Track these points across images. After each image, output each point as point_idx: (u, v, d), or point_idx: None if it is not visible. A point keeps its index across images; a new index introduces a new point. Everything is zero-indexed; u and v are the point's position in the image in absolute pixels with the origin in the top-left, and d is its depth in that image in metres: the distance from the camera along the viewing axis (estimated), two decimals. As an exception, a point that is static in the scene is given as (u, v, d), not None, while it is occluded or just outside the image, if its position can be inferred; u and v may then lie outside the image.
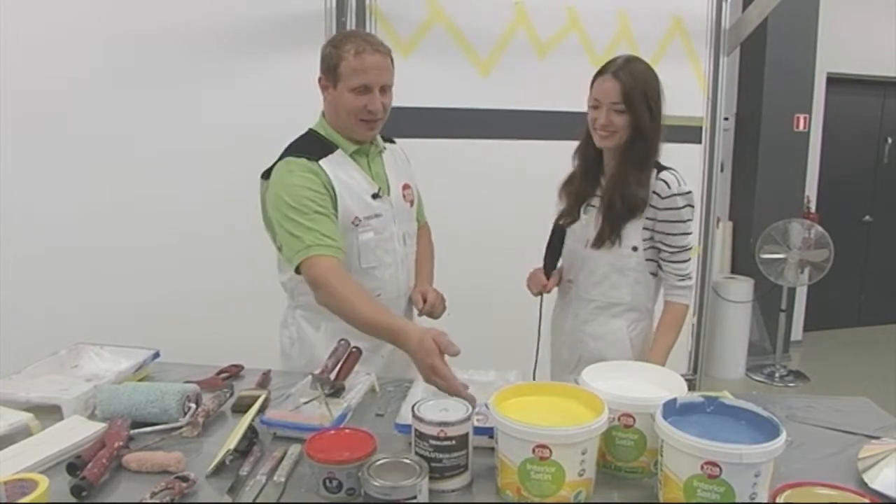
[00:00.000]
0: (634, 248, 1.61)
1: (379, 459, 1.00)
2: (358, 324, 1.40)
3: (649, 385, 1.18)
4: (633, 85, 1.52)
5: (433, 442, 1.02)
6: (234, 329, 2.41)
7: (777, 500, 0.98)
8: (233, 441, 1.12)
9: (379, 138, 1.67)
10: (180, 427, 1.22)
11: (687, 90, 3.00)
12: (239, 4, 2.47)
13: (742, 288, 4.25)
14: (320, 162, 1.51)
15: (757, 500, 0.92)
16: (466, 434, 1.04)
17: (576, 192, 1.70)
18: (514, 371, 1.39)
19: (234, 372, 1.55)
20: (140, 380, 1.47)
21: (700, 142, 3.12)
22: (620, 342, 1.66)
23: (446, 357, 1.22)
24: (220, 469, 1.09)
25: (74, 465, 1.05)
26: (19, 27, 2.22)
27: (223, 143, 2.49)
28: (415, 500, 0.94)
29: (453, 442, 1.02)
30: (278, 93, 2.53)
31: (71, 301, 2.34)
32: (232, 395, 1.37)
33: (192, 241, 2.48)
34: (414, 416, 1.05)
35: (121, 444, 1.11)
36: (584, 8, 2.83)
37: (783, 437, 0.93)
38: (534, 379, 1.47)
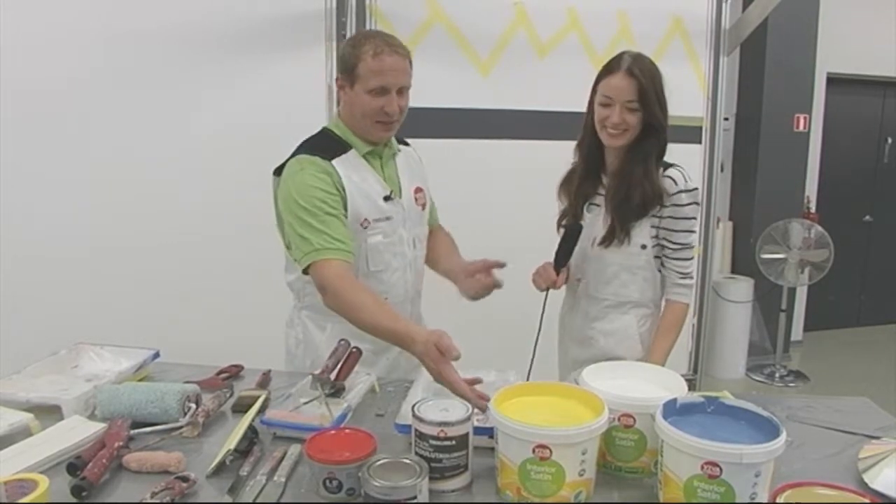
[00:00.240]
0: (643, 247, 1.60)
1: (379, 459, 1.00)
2: (365, 328, 1.39)
3: (649, 385, 1.18)
4: (647, 83, 1.51)
5: (433, 442, 1.02)
6: (234, 329, 2.41)
7: (777, 500, 0.98)
8: (233, 441, 1.12)
9: (394, 140, 1.65)
10: (180, 427, 1.22)
11: (687, 90, 3.00)
12: (239, 4, 2.47)
13: (742, 288, 4.25)
14: (333, 162, 1.50)
15: (757, 500, 0.92)
16: (466, 434, 1.04)
17: (577, 190, 1.68)
18: (513, 371, 1.39)
19: (234, 372, 1.55)
20: (140, 380, 1.47)
21: (700, 142, 3.11)
22: (631, 338, 1.65)
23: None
24: (220, 469, 1.09)
25: (74, 466, 1.05)
26: (19, 27, 2.21)
27: (223, 143, 2.49)
28: (415, 501, 0.94)
29: (453, 442, 1.02)
30: (278, 93, 2.53)
31: (71, 301, 2.34)
32: (232, 395, 1.37)
33: (192, 240, 2.48)
34: (414, 416, 1.05)
35: (121, 444, 1.11)
36: (584, 8, 2.83)
37: (783, 437, 0.93)
38: (528, 378, 1.46)
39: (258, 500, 1.02)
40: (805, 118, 4.38)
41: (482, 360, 1.40)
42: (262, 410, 1.26)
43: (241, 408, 1.32)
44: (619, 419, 1.08)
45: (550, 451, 0.96)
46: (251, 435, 1.17)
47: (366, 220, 1.53)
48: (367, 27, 2.60)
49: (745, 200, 4.49)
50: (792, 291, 4.36)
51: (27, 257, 2.27)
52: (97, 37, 2.31)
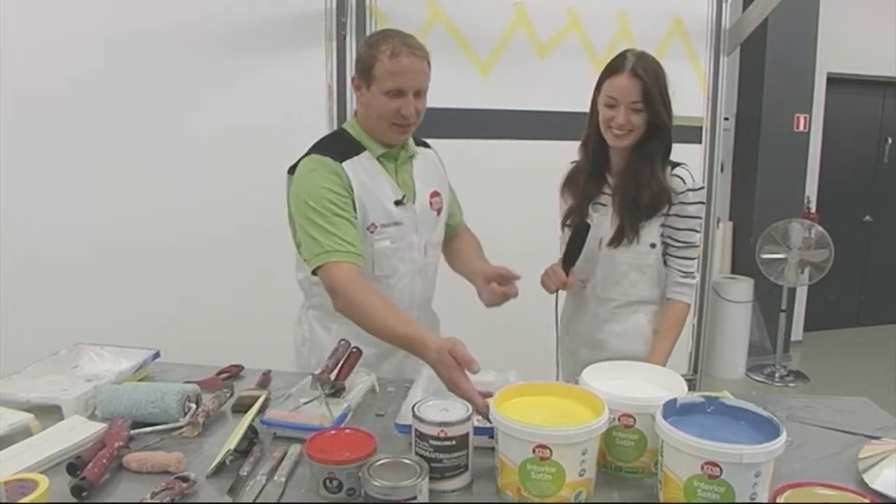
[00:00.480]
0: (653, 245, 1.59)
1: (379, 459, 1.00)
2: (376, 332, 1.38)
3: (649, 385, 1.18)
4: (652, 83, 1.49)
5: (433, 442, 1.02)
6: (234, 329, 2.42)
7: (777, 501, 0.98)
8: (233, 441, 1.12)
9: (411, 142, 1.62)
10: (180, 427, 1.22)
11: (687, 90, 3.00)
12: (239, 4, 2.47)
13: (742, 288, 4.25)
14: (344, 163, 1.48)
15: (757, 501, 0.92)
16: (467, 434, 1.04)
17: (582, 190, 1.66)
18: (513, 371, 1.39)
19: (234, 372, 1.55)
20: (140, 380, 1.47)
21: (700, 142, 3.12)
22: (643, 336, 1.64)
23: None
24: (220, 469, 1.09)
25: (75, 466, 1.05)
26: (19, 27, 2.22)
27: (223, 143, 2.49)
28: (415, 501, 0.94)
29: (453, 442, 1.02)
30: (278, 93, 2.53)
31: (71, 301, 2.34)
32: (232, 395, 1.37)
33: (192, 240, 2.48)
34: (414, 416, 1.05)
35: (121, 444, 1.11)
36: (584, 8, 2.83)
37: (783, 437, 0.93)
38: (558, 378, 1.44)
39: (258, 501, 1.02)
40: (805, 118, 4.38)
41: (482, 360, 1.40)
42: (262, 410, 1.25)
43: (241, 408, 1.32)
44: (619, 419, 1.08)
45: (550, 451, 0.96)
46: (251, 435, 1.17)
47: (373, 224, 1.51)
48: (367, 27, 2.60)
49: (745, 200, 4.49)
50: (792, 291, 4.36)
51: (27, 257, 2.27)
52: (97, 37, 2.31)
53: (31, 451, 1.11)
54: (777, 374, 4.29)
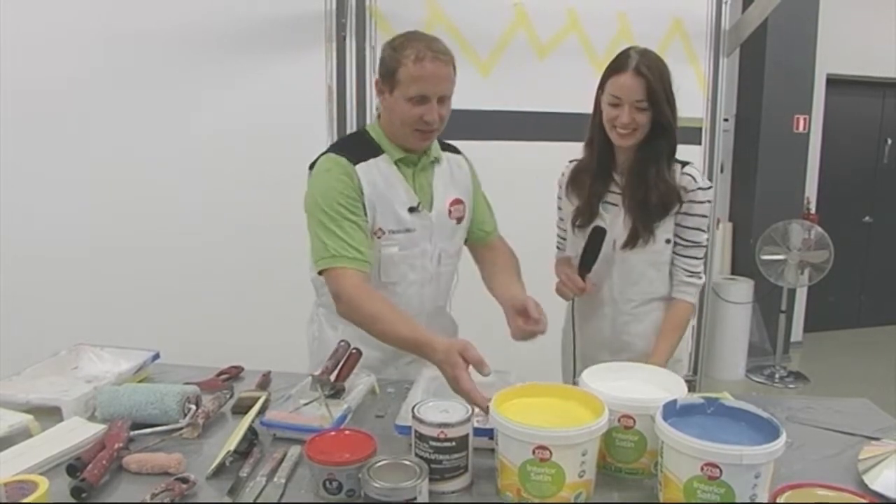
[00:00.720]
0: (668, 241, 1.58)
1: (379, 461, 1.00)
2: (382, 338, 1.38)
3: (649, 386, 1.18)
4: (656, 81, 1.47)
5: (433, 443, 1.02)
6: (234, 330, 2.42)
7: (777, 501, 0.98)
8: (233, 442, 1.12)
9: (436, 147, 1.58)
10: (180, 428, 1.22)
11: (687, 91, 2.96)
12: (239, 5, 2.47)
13: (742, 289, 4.25)
14: (358, 165, 1.46)
15: (757, 501, 0.92)
16: (466, 435, 1.04)
17: (589, 189, 1.62)
18: (513, 372, 1.39)
19: (234, 373, 1.55)
20: (140, 381, 1.47)
21: (700, 143, 3.12)
22: None
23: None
24: (220, 470, 1.09)
25: (74, 467, 1.05)
26: (19, 27, 2.22)
27: (223, 144, 2.49)
28: (415, 502, 0.94)
29: (453, 443, 1.02)
30: (278, 93, 2.53)
31: (71, 301, 2.34)
32: (232, 396, 1.37)
33: (192, 241, 2.48)
34: (414, 417, 1.05)
35: (121, 445, 1.11)
36: (583, 9, 2.83)
37: (783, 438, 0.93)
38: (575, 377, 1.42)
39: (258, 502, 1.02)
40: (805, 119, 4.38)
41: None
42: (261, 411, 1.26)
43: (240, 409, 1.32)
44: (619, 420, 1.08)
45: (550, 453, 0.96)
46: (251, 436, 1.17)
47: (380, 229, 1.49)
48: (367, 28, 2.61)
49: (744, 201, 4.49)
50: (792, 292, 4.36)
51: (27, 257, 2.27)
52: (97, 37, 2.31)
53: (31, 452, 1.11)
54: (777, 375, 4.29)
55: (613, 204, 1.61)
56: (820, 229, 4.05)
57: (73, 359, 1.53)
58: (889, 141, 5.07)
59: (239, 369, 1.57)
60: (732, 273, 4.56)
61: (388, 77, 1.44)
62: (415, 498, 0.94)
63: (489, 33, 2.76)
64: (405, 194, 1.51)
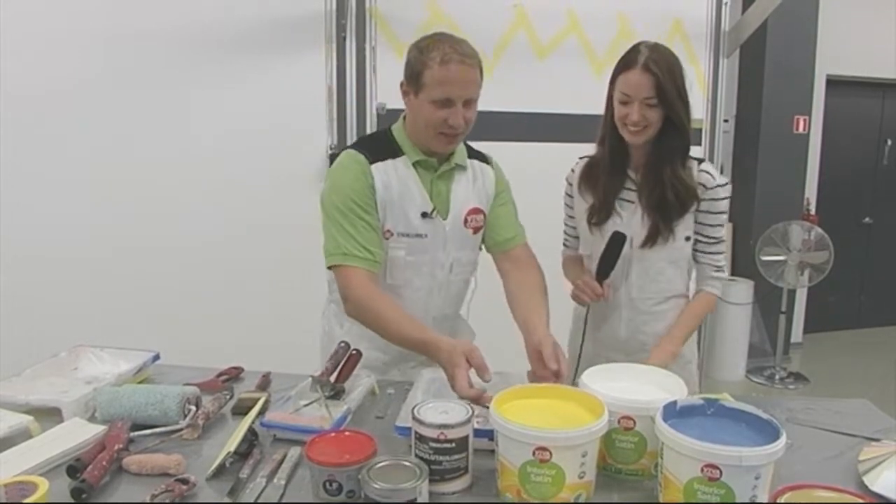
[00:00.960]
0: (687, 239, 1.58)
1: (379, 462, 1.00)
2: (389, 338, 1.38)
3: (649, 387, 1.18)
4: (665, 77, 1.45)
5: (433, 444, 1.02)
6: (234, 330, 2.42)
7: (777, 502, 0.98)
8: (233, 443, 1.12)
9: (461, 154, 1.54)
10: (180, 429, 1.22)
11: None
12: (239, 6, 2.48)
13: (742, 290, 4.25)
14: (374, 164, 1.44)
15: (757, 502, 0.92)
16: (466, 436, 1.04)
17: (604, 187, 1.60)
18: (514, 373, 1.39)
19: (234, 374, 1.55)
20: (140, 382, 1.46)
21: (700, 143, 3.13)
22: None
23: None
24: (220, 471, 1.09)
25: (74, 468, 1.05)
26: (20, 28, 2.22)
27: (223, 144, 2.50)
28: (415, 503, 0.94)
29: (453, 444, 1.02)
30: (278, 94, 2.54)
31: (71, 302, 2.34)
32: (232, 397, 1.37)
33: (192, 241, 2.48)
34: (414, 418, 1.05)
35: (120, 446, 1.11)
36: (583, 10, 2.83)
37: (783, 439, 0.93)
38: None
39: (258, 502, 1.02)
40: (805, 120, 4.38)
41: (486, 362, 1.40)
42: (262, 412, 1.26)
43: (240, 410, 1.32)
44: (619, 421, 1.08)
45: (550, 454, 0.96)
46: (251, 437, 1.17)
47: (388, 231, 1.47)
48: (367, 29, 2.61)
49: (744, 202, 4.50)
50: (792, 293, 4.36)
51: (27, 257, 2.27)
52: (97, 37, 2.32)
53: (31, 453, 1.10)
54: (777, 376, 4.29)
55: (629, 201, 1.59)
56: (820, 230, 4.05)
57: (72, 360, 1.53)
58: (889, 142, 5.07)
59: (239, 370, 1.57)
60: (732, 274, 4.55)
61: (414, 79, 1.41)
62: (415, 499, 0.94)
63: (489, 34, 2.76)
64: (419, 198, 1.48)
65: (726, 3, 3.07)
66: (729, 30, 3.09)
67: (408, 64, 1.44)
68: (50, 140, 2.32)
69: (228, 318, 2.49)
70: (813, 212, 4.69)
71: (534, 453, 0.97)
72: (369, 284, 1.41)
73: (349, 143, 2.63)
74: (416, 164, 1.48)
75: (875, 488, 1.05)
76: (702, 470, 0.91)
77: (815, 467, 1.14)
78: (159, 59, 2.40)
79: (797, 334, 4.84)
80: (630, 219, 1.58)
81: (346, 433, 1.12)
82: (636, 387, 1.18)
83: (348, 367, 1.39)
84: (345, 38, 2.58)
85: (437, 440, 1.02)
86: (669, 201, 1.53)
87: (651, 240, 1.56)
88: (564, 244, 1.80)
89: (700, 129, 3.11)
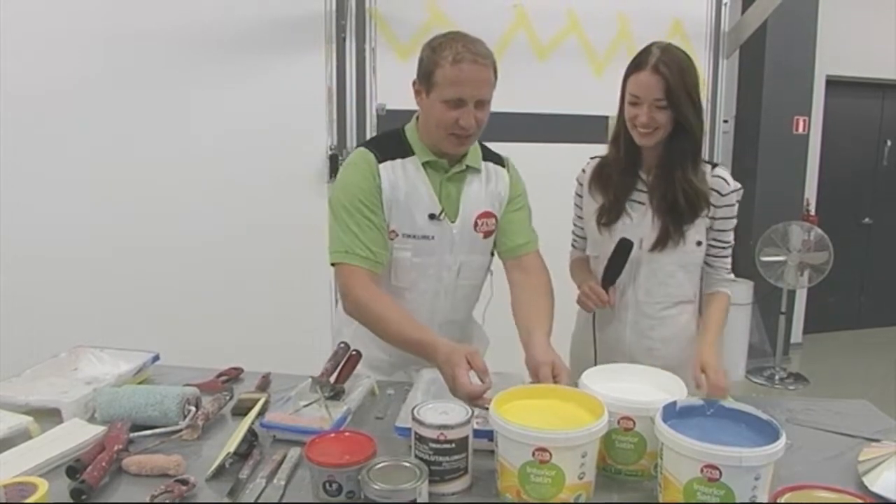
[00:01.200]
0: (699, 243, 1.57)
1: (379, 462, 1.00)
2: (388, 339, 1.37)
3: (649, 388, 1.19)
4: (676, 79, 1.43)
5: (433, 445, 1.02)
6: (234, 331, 2.42)
7: (777, 503, 0.98)
8: (232, 444, 1.12)
9: (475, 155, 1.52)
10: (180, 430, 1.22)
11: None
12: (239, 6, 2.48)
13: (742, 290, 4.25)
14: (383, 164, 1.43)
15: (757, 503, 0.92)
16: (466, 437, 1.04)
17: (616, 187, 1.58)
18: (514, 374, 1.39)
19: (234, 375, 1.55)
20: (140, 383, 1.46)
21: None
22: (689, 338, 1.61)
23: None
24: (219, 472, 1.09)
25: (74, 469, 1.05)
26: (19, 28, 2.22)
27: (222, 145, 2.50)
28: (415, 504, 0.94)
29: (453, 445, 1.02)
30: (278, 95, 2.54)
31: (71, 302, 2.34)
32: (231, 398, 1.37)
33: (192, 242, 2.48)
34: (414, 419, 1.05)
35: (120, 447, 1.11)
36: (583, 10, 2.83)
37: (783, 439, 0.93)
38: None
39: (258, 503, 1.02)
40: (804, 120, 4.38)
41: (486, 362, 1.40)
42: (261, 413, 1.26)
43: (240, 411, 1.32)
44: (618, 422, 1.08)
45: (550, 454, 0.96)
46: (251, 438, 1.17)
47: (393, 231, 1.45)
48: (367, 30, 2.61)
49: (744, 202, 4.42)
50: (791, 294, 4.36)
51: (27, 258, 2.27)
52: (97, 37, 2.32)
53: (31, 453, 1.10)
54: (777, 377, 4.29)
55: (640, 203, 1.58)
56: (820, 230, 4.05)
57: (72, 360, 1.53)
58: (888, 142, 5.07)
59: (238, 371, 1.57)
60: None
61: (426, 78, 1.39)
62: (415, 500, 0.94)
63: (489, 35, 2.71)
64: (427, 199, 1.45)
65: (726, 4, 3.07)
66: (729, 30, 3.09)
67: (420, 62, 1.42)
68: (50, 140, 2.32)
69: (228, 319, 2.49)
70: (813, 212, 4.69)
71: (533, 454, 0.97)
72: (370, 284, 1.40)
73: (349, 143, 2.65)
74: (425, 165, 1.46)
75: (875, 489, 1.05)
76: (701, 470, 0.91)
77: (815, 468, 1.15)
78: (159, 59, 2.40)
79: (797, 335, 4.84)
80: (640, 221, 1.57)
81: (346, 434, 1.12)
82: (636, 387, 1.18)
83: (348, 368, 1.39)
84: (345, 39, 2.58)
85: (436, 441, 1.02)
86: (680, 205, 1.52)
87: (661, 243, 1.54)
88: (573, 244, 1.78)
89: (700, 130, 3.11)
